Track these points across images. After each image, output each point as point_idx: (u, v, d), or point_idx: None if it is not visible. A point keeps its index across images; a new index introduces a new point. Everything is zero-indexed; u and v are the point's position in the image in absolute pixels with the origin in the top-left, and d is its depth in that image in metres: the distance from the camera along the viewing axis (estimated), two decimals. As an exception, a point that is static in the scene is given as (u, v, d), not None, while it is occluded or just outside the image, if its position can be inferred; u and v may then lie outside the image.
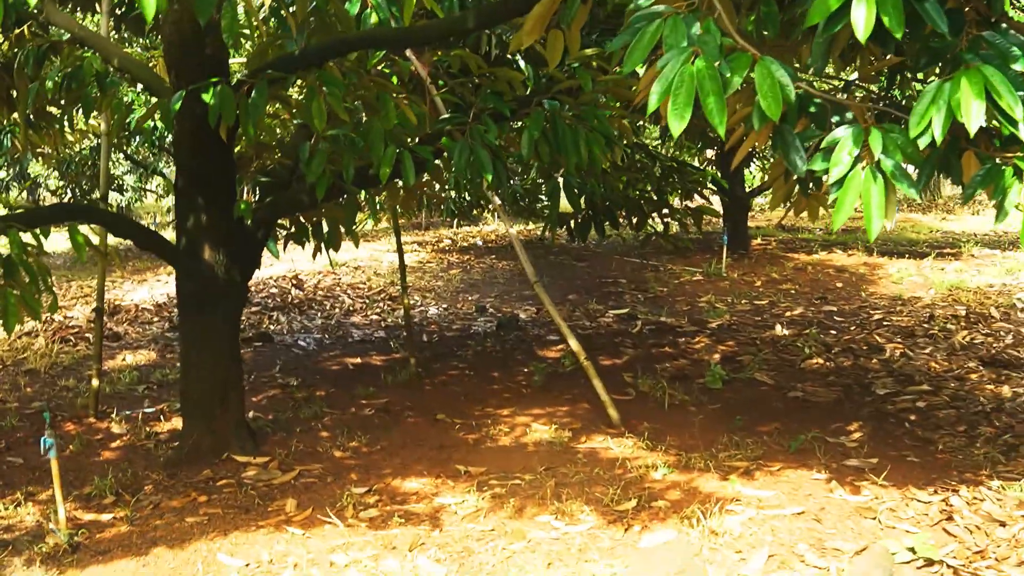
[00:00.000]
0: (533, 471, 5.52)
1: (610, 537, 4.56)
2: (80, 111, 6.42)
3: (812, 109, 3.78)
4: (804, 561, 4.24)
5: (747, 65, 3.16)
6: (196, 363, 5.85)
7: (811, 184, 4.26)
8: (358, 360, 8.71)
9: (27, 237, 4.75)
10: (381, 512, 4.98)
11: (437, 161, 6.01)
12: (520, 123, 5.76)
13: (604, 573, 4.18)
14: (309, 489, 5.40)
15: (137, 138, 15.65)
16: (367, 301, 11.51)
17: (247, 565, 4.43)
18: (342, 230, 6.33)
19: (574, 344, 6.61)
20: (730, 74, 3.13)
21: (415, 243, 16.26)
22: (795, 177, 4.24)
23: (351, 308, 11.16)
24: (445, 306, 11.35)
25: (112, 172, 19.88)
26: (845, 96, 4.66)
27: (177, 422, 6.71)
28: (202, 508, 5.18)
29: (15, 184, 22.16)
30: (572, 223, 8.27)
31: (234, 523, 4.94)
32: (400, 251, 8.04)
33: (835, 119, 3.76)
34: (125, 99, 5.97)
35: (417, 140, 5.76)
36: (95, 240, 6.70)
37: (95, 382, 7.00)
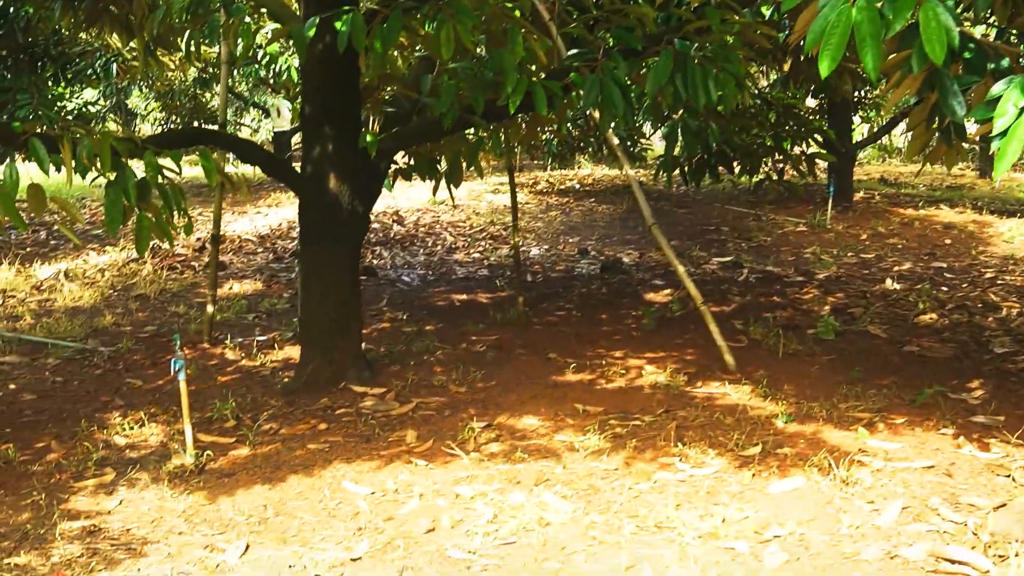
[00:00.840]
0: (652, 413, 5.46)
1: (738, 482, 4.50)
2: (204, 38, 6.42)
3: (967, 55, 3.65)
4: (939, 514, 4.13)
5: (911, 6, 3.04)
6: (317, 293, 5.87)
7: (953, 132, 4.14)
8: (464, 297, 8.71)
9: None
10: (503, 447, 4.97)
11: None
12: (648, 61, 5.65)
13: (735, 516, 4.12)
14: (427, 421, 5.41)
15: (237, 71, 15.73)
16: (469, 239, 11.51)
17: (372, 493, 4.45)
18: (463, 165, 6.28)
19: (692, 289, 6.51)
20: (892, 16, 3.01)
21: (511, 184, 16.20)
22: (935, 125, 4.12)
23: (453, 246, 11.17)
24: (547, 247, 11.31)
25: (207, 104, 20.03)
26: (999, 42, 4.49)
27: (291, 351, 6.78)
28: (323, 436, 5.22)
29: (112, 116, 22.45)
30: (686, 167, 8.15)
31: (356, 451, 4.97)
32: (512, 189, 7.95)
33: (991, 66, 3.64)
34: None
35: (543, 76, 5.67)
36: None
37: (210, 308, 7.08)
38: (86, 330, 7.54)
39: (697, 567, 3.67)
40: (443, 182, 6.63)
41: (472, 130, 6.35)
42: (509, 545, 3.91)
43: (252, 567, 3.76)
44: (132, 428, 5.38)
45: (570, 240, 11.76)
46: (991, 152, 3.39)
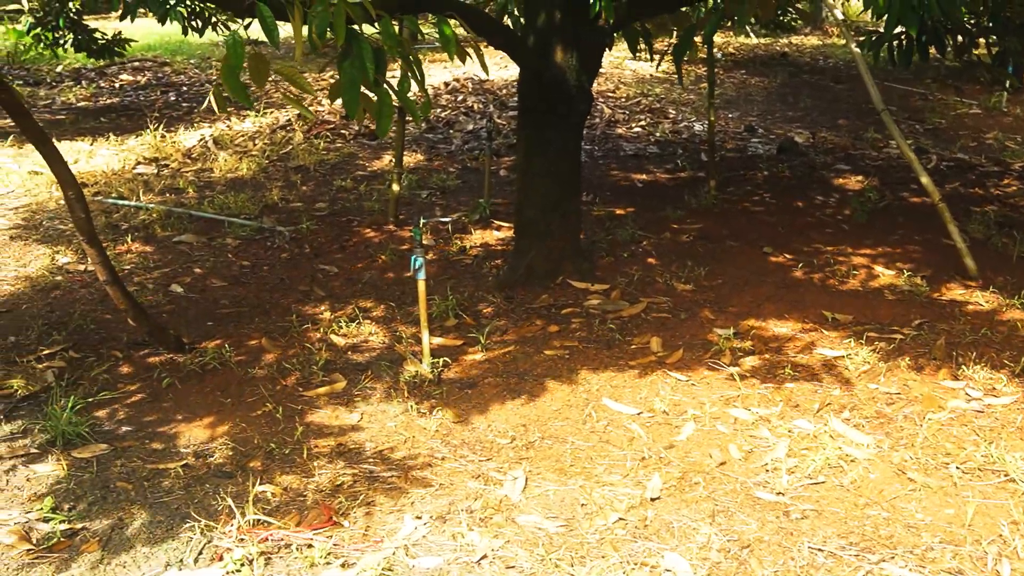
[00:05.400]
0: (908, 324, 4.90)
1: (1047, 415, 3.96)
2: None
3: None
4: None
5: None
6: (537, 175, 5.32)
7: None
8: (644, 176, 8.13)
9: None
10: (763, 361, 4.46)
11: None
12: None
13: (1067, 462, 3.59)
14: (665, 326, 4.90)
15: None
16: (627, 112, 10.80)
17: (639, 414, 3.98)
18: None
19: (927, 182, 5.88)
20: None
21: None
22: None
23: (612, 119, 10.48)
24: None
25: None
26: None
27: (485, 235, 6.33)
28: (555, 339, 4.74)
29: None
30: (896, 44, 7.37)
31: (600, 360, 4.49)
32: (711, 62, 7.25)
33: None
34: None
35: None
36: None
37: (395, 187, 6.58)
38: (256, 206, 7.06)
39: (1058, 527, 3.16)
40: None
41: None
42: (818, 485, 3.43)
43: (539, 504, 3.31)
44: (347, 326, 4.93)
45: (730, 116, 11.02)
46: None
